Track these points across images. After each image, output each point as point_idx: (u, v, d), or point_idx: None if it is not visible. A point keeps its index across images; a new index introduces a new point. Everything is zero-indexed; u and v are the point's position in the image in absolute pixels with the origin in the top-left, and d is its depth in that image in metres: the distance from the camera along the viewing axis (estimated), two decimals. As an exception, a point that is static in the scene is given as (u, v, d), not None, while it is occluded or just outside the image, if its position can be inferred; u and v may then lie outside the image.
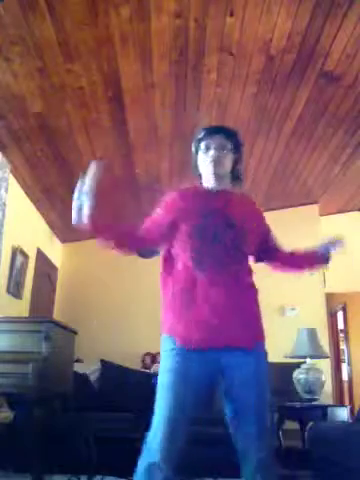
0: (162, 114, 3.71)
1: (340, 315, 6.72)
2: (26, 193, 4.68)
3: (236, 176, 1.72)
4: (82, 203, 1.52)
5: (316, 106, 3.77)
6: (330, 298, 6.00)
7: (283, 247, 1.87)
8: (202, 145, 1.66)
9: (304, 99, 3.67)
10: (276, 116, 3.89)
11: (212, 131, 1.68)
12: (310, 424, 3.62)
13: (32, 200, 4.86)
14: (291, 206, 5.85)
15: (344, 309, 6.62)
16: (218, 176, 1.64)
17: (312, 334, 4.14)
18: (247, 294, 1.60)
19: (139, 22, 2.80)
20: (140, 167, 4.51)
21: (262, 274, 1.82)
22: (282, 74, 3.36)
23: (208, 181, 1.67)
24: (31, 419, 2.67)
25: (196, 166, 1.72)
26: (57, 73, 3.11)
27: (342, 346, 6.57)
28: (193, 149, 1.72)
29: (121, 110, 3.58)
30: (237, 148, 1.70)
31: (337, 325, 6.69)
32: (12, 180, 4.22)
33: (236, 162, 1.71)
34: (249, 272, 1.64)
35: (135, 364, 5.11)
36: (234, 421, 1.49)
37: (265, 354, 1.55)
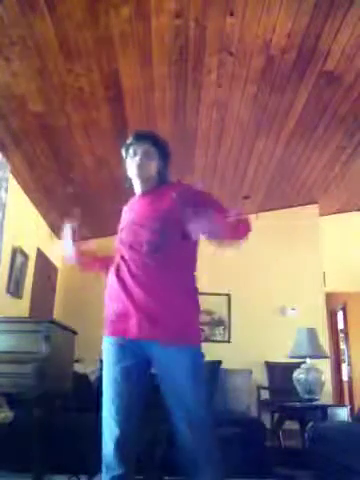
0: (162, 114, 3.71)
1: (340, 315, 6.74)
2: (26, 193, 4.68)
3: (163, 180, 1.81)
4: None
5: (316, 106, 3.78)
6: (330, 298, 6.01)
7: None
8: (130, 150, 1.78)
9: (304, 99, 3.67)
10: (276, 116, 3.89)
11: (138, 138, 1.78)
12: (310, 424, 3.63)
13: (32, 200, 4.86)
14: (291, 206, 5.86)
15: (344, 309, 6.63)
16: (143, 180, 1.78)
17: (312, 334, 4.15)
18: (171, 290, 1.60)
19: (139, 22, 2.80)
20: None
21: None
22: (282, 74, 3.36)
23: (136, 185, 1.82)
24: (31, 419, 2.67)
25: (126, 173, 1.83)
26: (57, 73, 3.11)
27: (342, 346, 6.59)
28: (123, 154, 1.83)
29: (121, 110, 3.58)
30: (162, 153, 1.80)
31: (337, 325, 6.71)
32: (12, 180, 4.22)
33: (163, 166, 1.81)
34: (176, 267, 1.64)
35: (135, 364, 5.10)
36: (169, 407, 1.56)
37: (191, 351, 1.58)
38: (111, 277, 1.70)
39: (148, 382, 1.64)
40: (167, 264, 1.62)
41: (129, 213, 1.79)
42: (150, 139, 1.78)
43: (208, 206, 1.57)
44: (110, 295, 1.68)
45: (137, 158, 1.75)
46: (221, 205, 1.67)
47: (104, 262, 1.85)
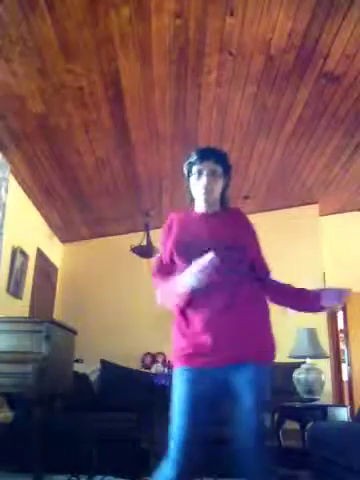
0: (162, 114, 3.71)
1: (340, 315, 6.73)
2: (26, 193, 4.68)
3: (224, 200, 1.79)
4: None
5: (316, 106, 3.78)
6: (330, 298, 5.99)
7: (273, 276, 1.79)
8: (194, 169, 1.72)
9: (304, 99, 3.67)
10: (276, 116, 3.89)
11: (203, 156, 1.72)
12: (310, 424, 3.63)
13: (32, 200, 4.86)
14: (291, 206, 5.86)
15: (344, 309, 6.62)
16: (209, 202, 1.72)
17: (312, 334, 4.15)
18: (249, 310, 1.59)
19: (139, 22, 2.80)
20: (140, 167, 4.51)
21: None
22: (282, 74, 3.36)
23: (199, 206, 1.75)
24: (31, 419, 2.67)
25: (188, 190, 1.78)
26: (57, 73, 3.11)
27: (342, 346, 6.58)
28: (185, 171, 1.77)
29: (121, 110, 3.58)
30: (226, 171, 1.76)
31: (337, 325, 6.70)
32: (12, 180, 4.23)
33: (226, 186, 1.78)
34: (252, 288, 1.64)
35: (135, 364, 5.11)
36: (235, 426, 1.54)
37: (267, 366, 1.58)
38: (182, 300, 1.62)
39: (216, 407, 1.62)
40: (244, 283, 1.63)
41: (191, 229, 1.70)
42: (214, 156, 1.72)
43: (261, 255, 1.78)
44: (182, 320, 1.63)
45: (203, 179, 1.69)
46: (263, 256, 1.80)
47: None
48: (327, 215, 6.09)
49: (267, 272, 1.76)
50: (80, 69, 3.10)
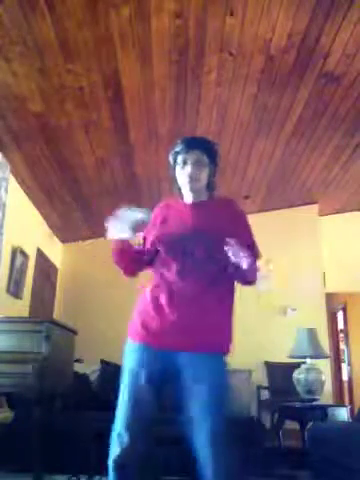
0: (162, 114, 3.71)
1: (340, 315, 6.74)
2: (26, 193, 4.68)
3: (211, 188, 1.77)
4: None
5: (316, 106, 3.78)
6: (330, 298, 6.00)
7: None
8: (179, 159, 1.70)
9: (304, 99, 3.67)
10: (276, 116, 3.89)
11: (189, 146, 1.69)
12: (310, 424, 3.63)
13: (32, 200, 4.86)
14: (291, 206, 5.86)
15: (344, 309, 6.64)
16: (194, 191, 1.70)
17: (312, 334, 4.15)
18: (217, 305, 1.61)
19: (139, 22, 2.80)
20: (140, 167, 4.51)
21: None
22: (282, 74, 3.36)
23: (186, 195, 1.74)
24: (31, 419, 2.67)
25: (175, 179, 1.77)
26: (57, 73, 3.11)
27: (342, 346, 6.59)
28: (171, 160, 1.76)
29: (121, 110, 3.58)
30: (213, 160, 1.73)
31: (337, 325, 6.72)
32: (12, 180, 4.22)
33: (212, 174, 1.75)
34: (225, 284, 1.65)
35: (135, 364, 5.10)
36: (189, 421, 1.50)
37: (223, 364, 1.60)
38: (155, 283, 1.65)
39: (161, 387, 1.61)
40: (219, 277, 1.63)
41: (176, 219, 1.70)
42: (200, 147, 1.70)
43: (249, 242, 1.68)
44: (151, 303, 1.63)
45: (188, 168, 1.67)
46: (254, 242, 1.73)
47: (134, 260, 1.77)
48: (327, 215, 6.09)
49: (257, 254, 1.70)
50: (80, 69, 3.10)
